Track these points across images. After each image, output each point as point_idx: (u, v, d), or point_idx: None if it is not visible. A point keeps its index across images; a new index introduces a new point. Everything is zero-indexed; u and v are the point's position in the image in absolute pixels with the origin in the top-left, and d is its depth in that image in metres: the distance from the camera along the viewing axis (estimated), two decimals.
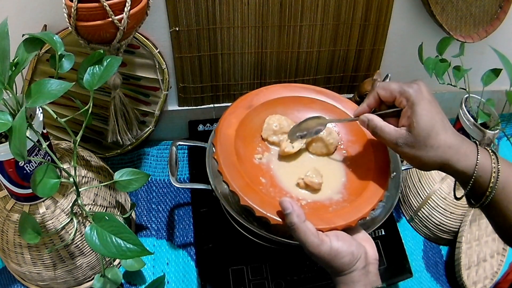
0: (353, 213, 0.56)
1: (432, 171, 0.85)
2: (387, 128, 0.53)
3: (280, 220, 0.54)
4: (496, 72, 0.80)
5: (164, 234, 0.83)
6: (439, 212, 0.85)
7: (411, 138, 0.50)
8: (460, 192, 0.54)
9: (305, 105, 0.71)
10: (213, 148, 0.62)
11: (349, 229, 0.55)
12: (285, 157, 0.65)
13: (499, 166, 0.49)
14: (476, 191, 0.51)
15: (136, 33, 0.76)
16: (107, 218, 0.56)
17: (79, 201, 0.62)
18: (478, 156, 0.50)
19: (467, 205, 0.84)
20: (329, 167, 0.65)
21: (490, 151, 0.51)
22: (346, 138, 0.69)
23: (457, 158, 0.49)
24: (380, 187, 0.60)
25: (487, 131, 0.76)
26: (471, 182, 0.50)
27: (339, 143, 0.68)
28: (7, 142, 0.52)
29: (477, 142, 0.52)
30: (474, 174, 0.49)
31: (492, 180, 0.49)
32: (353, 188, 0.62)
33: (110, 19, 0.61)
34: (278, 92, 0.71)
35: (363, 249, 0.52)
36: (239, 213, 0.60)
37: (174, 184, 0.66)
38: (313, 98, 0.71)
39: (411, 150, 0.51)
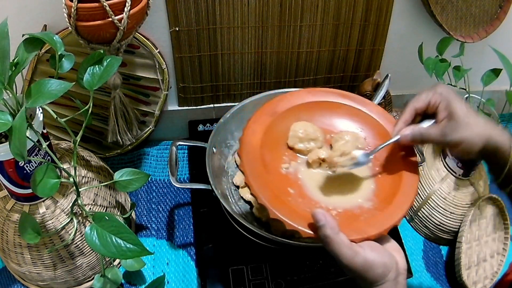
0: (385, 221, 0.53)
1: (432, 171, 0.85)
2: (430, 129, 0.54)
3: (311, 233, 0.51)
4: (496, 72, 0.80)
5: (164, 234, 0.83)
6: (439, 212, 0.85)
7: (454, 122, 0.52)
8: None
9: (331, 110, 0.68)
10: (239, 159, 0.59)
11: (380, 239, 0.52)
12: (312, 164, 0.63)
13: None
14: (508, 172, 0.52)
15: (136, 33, 0.76)
16: (107, 218, 0.56)
17: (79, 201, 0.62)
18: None
19: (467, 205, 0.84)
20: (357, 174, 0.62)
21: None
22: (373, 142, 0.65)
23: (497, 132, 0.52)
24: (411, 191, 0.57)
25: None
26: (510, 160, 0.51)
27: (366, 149, 0.64)
28: (7, 142, 0.52)
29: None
30: None
31: None
32: (383, 195, 0.59)
33: (110, 19, 0.62)
34: (302, 98, 0.68)
35: (394, 259, 0.51)
36: (238, 213, 0.60)
37: (174, 184, 0.66)
38: (338, 103, 0.68)
39: (457, 133, 0.52)
